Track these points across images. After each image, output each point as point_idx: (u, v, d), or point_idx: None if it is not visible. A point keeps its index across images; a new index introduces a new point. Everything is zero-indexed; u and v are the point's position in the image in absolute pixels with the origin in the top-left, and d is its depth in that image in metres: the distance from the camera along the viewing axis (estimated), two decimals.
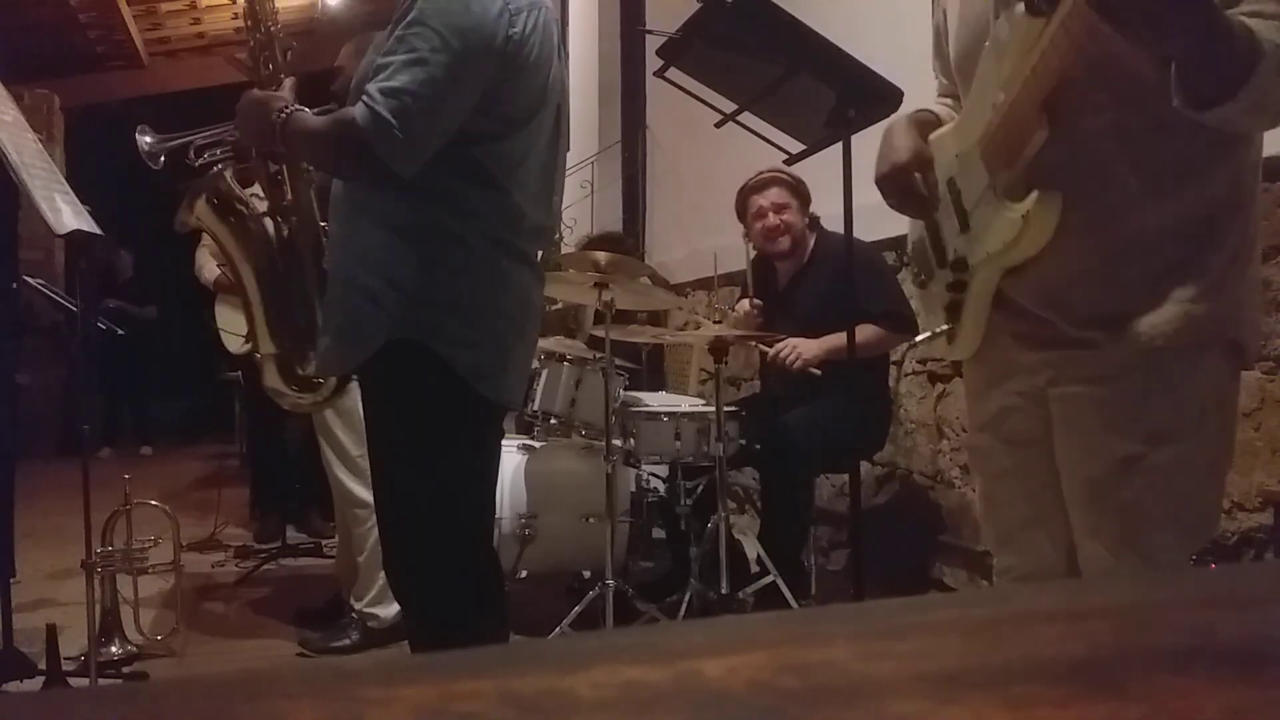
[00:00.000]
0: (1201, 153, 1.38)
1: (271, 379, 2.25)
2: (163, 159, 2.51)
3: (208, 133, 2.48)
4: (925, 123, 1.64)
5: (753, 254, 3.49)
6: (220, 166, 2.37)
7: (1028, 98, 1.38)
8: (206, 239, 3.97)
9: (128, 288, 8.11)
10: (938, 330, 1.64)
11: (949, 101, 1.72)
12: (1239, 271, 1.40)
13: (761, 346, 3.25)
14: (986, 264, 1.49)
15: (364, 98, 1.74)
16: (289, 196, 2.20)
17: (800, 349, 3.11)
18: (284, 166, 2.18)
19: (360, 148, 1.75)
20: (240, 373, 5.15)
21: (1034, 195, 1.40)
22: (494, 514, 2.04)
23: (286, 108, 1.89)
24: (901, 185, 1.58)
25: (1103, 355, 1.42)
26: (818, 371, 3.09)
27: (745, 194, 3.41)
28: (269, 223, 2.24)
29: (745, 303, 3.39)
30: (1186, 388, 1.41)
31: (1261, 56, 1.21)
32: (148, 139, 2.50)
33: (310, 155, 2.01)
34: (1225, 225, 1.40)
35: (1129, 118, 1.39)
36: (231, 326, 4.14)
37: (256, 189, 2.34)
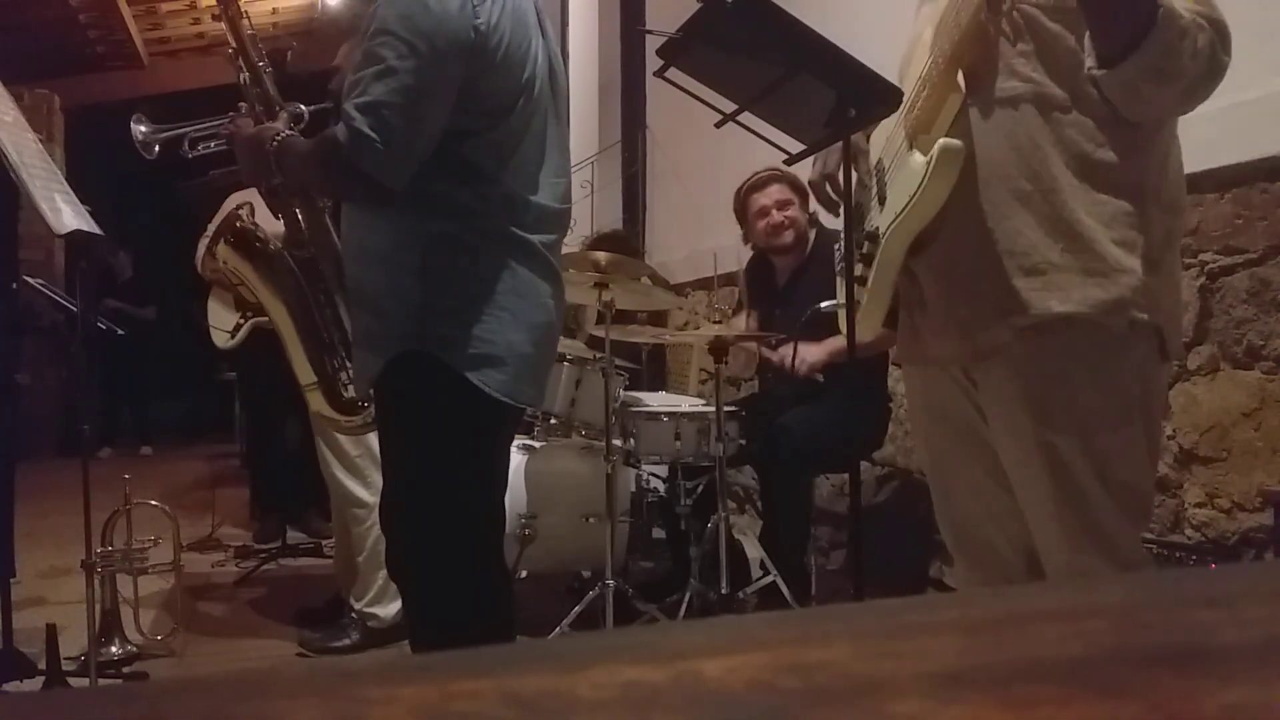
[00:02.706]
0: (1119, 140, 1.42)
1: (318, 405, 2.26)
2: (157, 149, 2.51)
3: (203, 125, 2.48)
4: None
5: (746, 259, 3.50)
6: (236, 206, 2.38)
7: (945, 58, 1.43)
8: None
9: (127, 288, 8.11)
10: (838, 301, 1.68)
11: None
12: (1152, 264, 1.42)
13: (764, 351, 3.25)
14: (894, 229, 1.51)
15: (343, 116, 1.75)
16: (305, 224, 2.21)
17: (804, 355, 3.10)
18: (297, 195, 2.19)
19: (347, 167, 1.75)
20: (237, 373, 5.15)
21: (939, 142, 1.42)
22: (504, 514, 2.02)
23: (277, 136, 1.89)
24: (830, 188, 1.67)
25: (1027, 340, 1.44)
26: (820, 378, 3.09)
27: (745, 194, 3.41)
28: (290, 253, 2.25)
29: (740, 353, 3.40)
30: (1113, 374, 1.43)
31: (1159, 10, 1.28)
32: (143, 128, 2.50)
33: (304, 180, 2.00)
34: (1138, 218, 1.42)
35: (1050, 90, 1.42)
36: (218, 322, 4.13)
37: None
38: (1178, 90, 1.36)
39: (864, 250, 1.58)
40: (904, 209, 1.47)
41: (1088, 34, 1.36)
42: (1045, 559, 1.50)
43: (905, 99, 1.54)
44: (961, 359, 1.54)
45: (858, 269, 1.60)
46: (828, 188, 1.69)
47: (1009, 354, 1.46)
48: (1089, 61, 1.35)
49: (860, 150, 1.63)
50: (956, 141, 1.42)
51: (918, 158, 1.44)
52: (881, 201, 1.56)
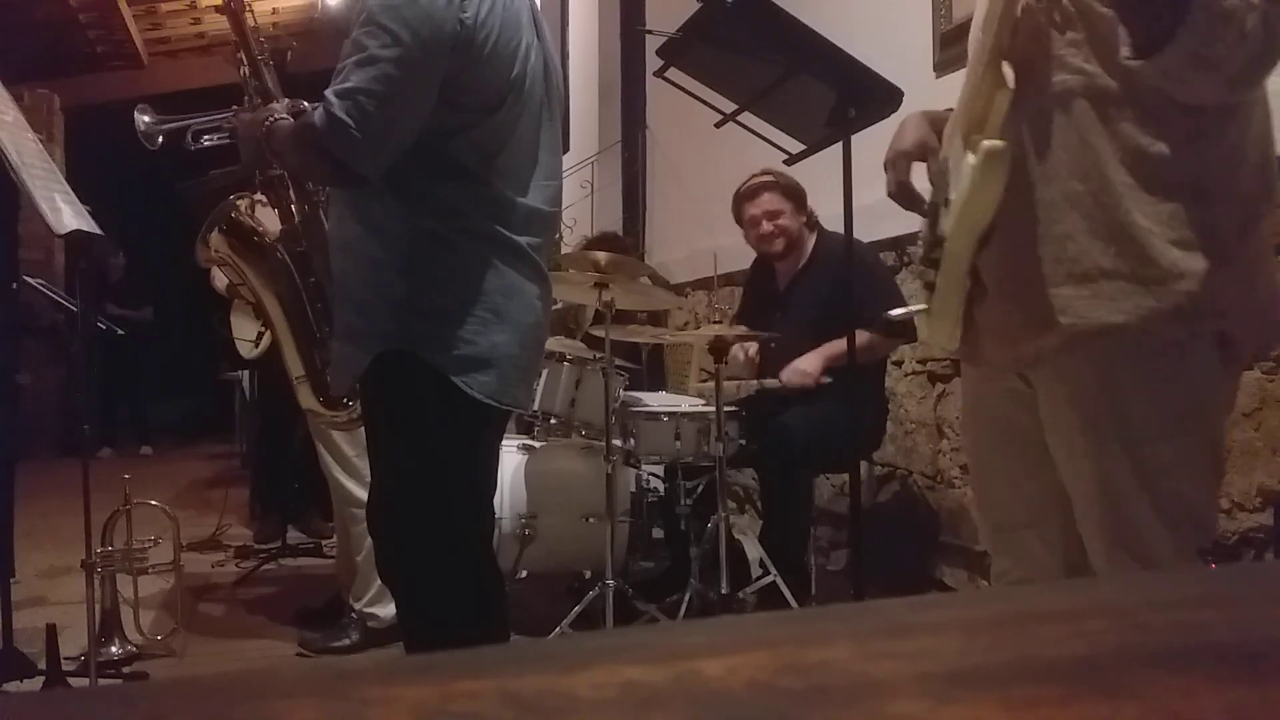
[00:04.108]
0: (1175, 127, 1.34)
1: (306, 400, 2.26)
2: (160, 140, 2.51)
3: (206, 118, 2.48)
4: (941, 119, 1.60)
5: (749, 257, 3.50)
6: (232, 197, 2.38)
7: (989, 53, 1.36)
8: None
9: (119, 289, 8.08)
10: (914, 308, 1.62)
11: None
12: (1221, 261, 1.34)
13: (766, 383, 3.23)
14: (954, 232, 1.45)
15: (323, 102, 1.75)
16: (299, 217, 2.21)
17: (805, 369, 3.09)
18: (291, 186, 2.19)
19: (322, 152, 1.75)
20: (251, 373, 5.17)
21: (983, 144, 1.36)
22: (493, 515, 2.01)
23: (269, 119, 1.89)
24: (899, 173, 1.57)
25: (1076, 348, 1.39)
26: (829, 379, 3.08)
27: (738, 201, 3.41)
28: (284, 246, 2.25)
29: (739, 351, 3.38)
30: (1166, 387, 1.37)
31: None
32: (146, 118, 2.50)
33: (287, 163, 1.99)
34: (1203, 212, 1.34)
35: (1103, 82, 1.35)
36: (241, 333, 4.16)
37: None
38: (1226, 75, 1.28)
39: (933, 255, 1.52)
40: (959, 213, 1.42)
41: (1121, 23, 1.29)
42: (1094, 565, 1.47)
43: (961, 95, 1.47)
44: (1013, 365, 1.50)
45: (928, 274, 1.55)
46: (900, 179, 1.58)
47: (1059, 360, 1.42)
48: (1124, 51, 1.28)
49: (932, 149, 1.56)
50: (1000, 143, 1.36)
51: (970, 159, 1.39)
52: (946, 204, 1.50)
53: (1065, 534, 1.51)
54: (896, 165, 1.57)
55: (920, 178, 1.58)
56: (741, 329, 3.48)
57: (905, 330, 3.16)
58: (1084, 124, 1.36)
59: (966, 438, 1.70)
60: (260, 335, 4.02)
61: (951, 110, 1.61)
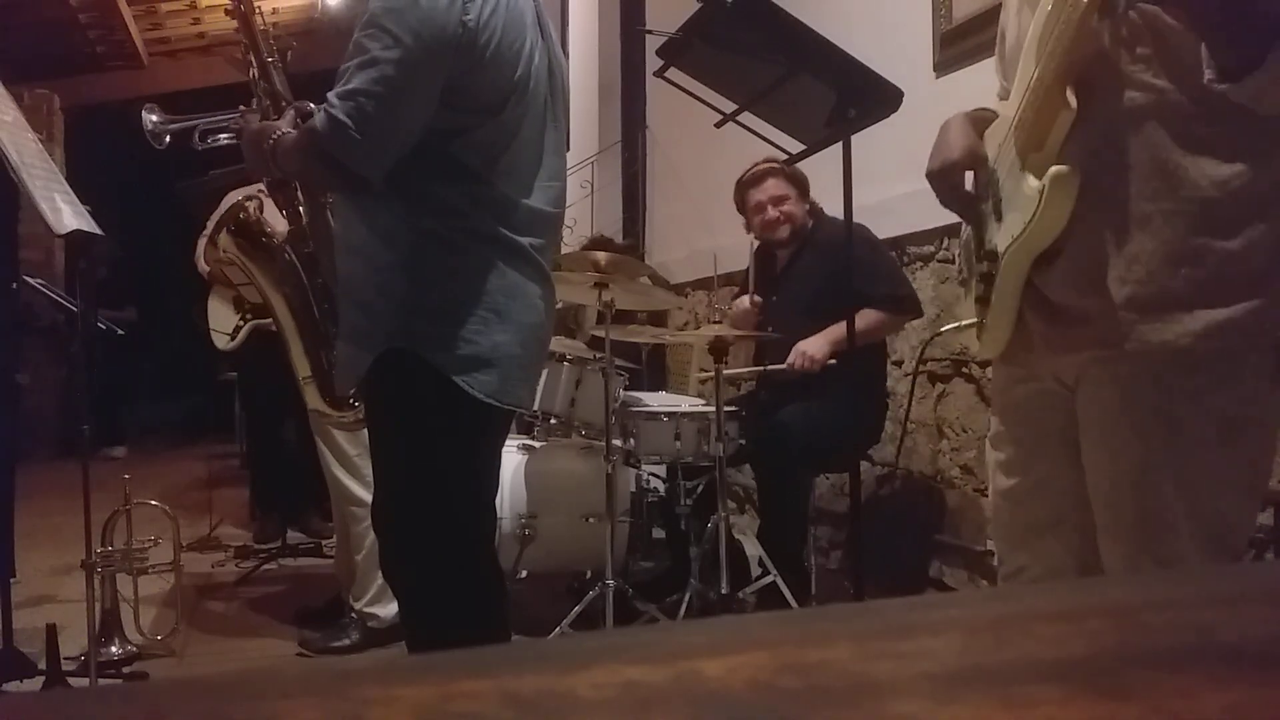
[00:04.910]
0: (1249, 143, 1.31)
1: (313, 400, 2.27)
2: (168, 139, 2.52)
3: (213, 118, 2.49)
4: (982, 120, 1.58)
5: (754, 245, 3.49)
6: (244, 198, 2.39)
7: (1053, 73, 1.33)
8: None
9: (103, 289, 8.03)
10: (964, 323, 1.60)
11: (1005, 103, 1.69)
12: None
13: (771, 367, 3.23)
14: (1013, 251, 1.43)
15: (324, 105, 1.75)
16: (306, 219, 2.22)
17: (810, 352, 3.09)
18: (299, 190, 2.20)
19: (323, 154, 1.76)
20: (237, 373, 5.15)
21: (1051, 170, 1.35)
22: (495, 515, 2.01)
23: (274, 135, 1.90)
24: (951, 183, 1.54)
25: (1129, 358, 1.36)
26: (834, 360, 3.07)
27: (743, 188, 3.41)
28: (291, 247, 2.26)
29: (745, 299, 3.38)
30: (1217, 396, 1.34)
31: None
32: (154, 117, 2.51)
33: (293, 171, 2.00)
34: (1273, 229, 1.32)
35: (1174, 98, 1.32)
36: (218, 323, 4.11)
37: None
38: None
39: (984, 269, 1.51)
40: (1020, 234, 1.40)
41: (1204, 46, 1.26)
42: (1106, 566, 1.45)
43: (1014, 109, 1.45)
44: (1064, 373, 1.48)
45: (977, 288, 1.54)
46: (950, 183, 1.55)
47: (1111, 366, 1.40)
48: (1208, 73, 1.25)
49: (980, 156, 1.53)
50: (1067, 169, 1.34)
51: (1031, 182, 1.37)
52: (998, 216, 1.48)
53: (1084, 539, 1.49)
54: (949, 176, 1.54)
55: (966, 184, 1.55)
56: (745, 302, 3.45)
57: (912, 307, 3.17)
58: (1155, 142, 1.33)
59: (993, 434, 1.67)
60: (238, 329, 3.99)
61: (986, 110, 1.59)
